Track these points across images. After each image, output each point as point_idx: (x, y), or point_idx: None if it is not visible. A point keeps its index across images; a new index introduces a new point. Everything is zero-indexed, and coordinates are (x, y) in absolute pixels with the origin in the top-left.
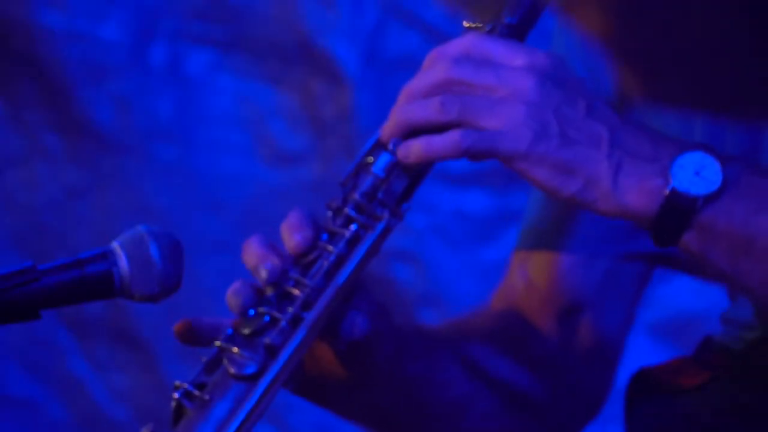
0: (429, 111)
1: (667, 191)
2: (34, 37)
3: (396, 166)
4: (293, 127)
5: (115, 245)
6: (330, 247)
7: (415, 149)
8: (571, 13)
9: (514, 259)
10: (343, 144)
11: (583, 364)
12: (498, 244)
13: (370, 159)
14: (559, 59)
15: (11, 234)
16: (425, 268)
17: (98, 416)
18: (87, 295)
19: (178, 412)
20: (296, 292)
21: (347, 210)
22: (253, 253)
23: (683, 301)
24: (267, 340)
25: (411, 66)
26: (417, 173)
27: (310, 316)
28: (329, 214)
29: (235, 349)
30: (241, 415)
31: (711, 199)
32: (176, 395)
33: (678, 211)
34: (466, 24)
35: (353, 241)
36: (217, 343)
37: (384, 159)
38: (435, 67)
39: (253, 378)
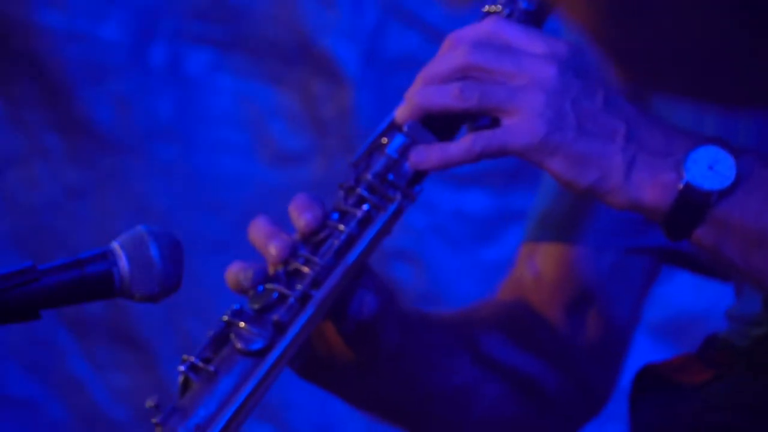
0: (448, 98)
1: (680, 186)
2: (34, 37)
3: (410, 148)
4: (293, 127)
5: (115, 245)
6: (341, 226)
7: (430, 158)
8: (570, 14)
9: (522, 251)
10: (343, 144)
11: (590, 356)
12: (498, 244)
13: (384, 140)
14: (579, 48)
15: (11, 234)
16: (425, 267)
17: (98, 416)
18: (87, 295)
19: (185, 385)
20: (306, 269)
21: (359, 190)
22: (262, 231)
23: (685, 300)
24: (275, 316)
25: (411, 66)
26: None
27: (319, 294)
28: (341, 193)
29: (243, 324)
30: (246, 390)
31: (725, 193)
32: (182, 368)
33: (691, 206)
34: (485, 8)
35: (364, 221)
36: (225, 317)
37: (398, 140)
38: (454, 52)
39: (260, 354)
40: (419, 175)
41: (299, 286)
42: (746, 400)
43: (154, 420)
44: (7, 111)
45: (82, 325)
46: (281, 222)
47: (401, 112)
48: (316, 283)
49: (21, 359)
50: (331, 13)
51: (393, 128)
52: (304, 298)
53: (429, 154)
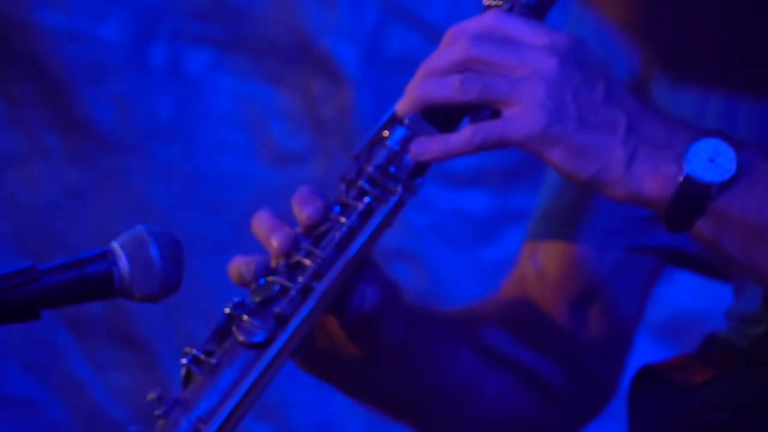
0: (449, 90)
1: (681, 178)
2: (34, 37)
3: (411, 141)
4: (293, 127)
5: (115, 245)
6: (342, 219)
7: (431, 149)
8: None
9: (525, 249)
10: (343, 144)
11: (593, 352)
12: (497, 243)
13: (386, 133)
14: (580, 40)
15: (11, 234)
16: (424, 267)
17: (98, 416)
18: (87, 295)
19: (187, 378)
20: (307, 262)
21: (361, 182)
22: (264, 224)
23: (684, 300)
24: (277, 309)
25: (411, 66)
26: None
27: (321, 287)
28: (342, 186)
29: (245, 317)
30: (248, 383)
31: (725, 186)
32: (185, 361)
33: (692, 198)
34: (485, 1)
35: (366, 214)
36: (227, 310)
37: (399, 133)
38: (454, 45)
39: (262, 346)
40: (421, 168)
41: (301, 279)
42: (746, 400)
43: (156, 412)
44: (7, 111)
45: (82, 325)
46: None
47: (402, 105)
48: (317, 275)
49: (21, 359)
50: (331, 13)
51: (394, 121)
52: (305, 291)
53: (430, 145)
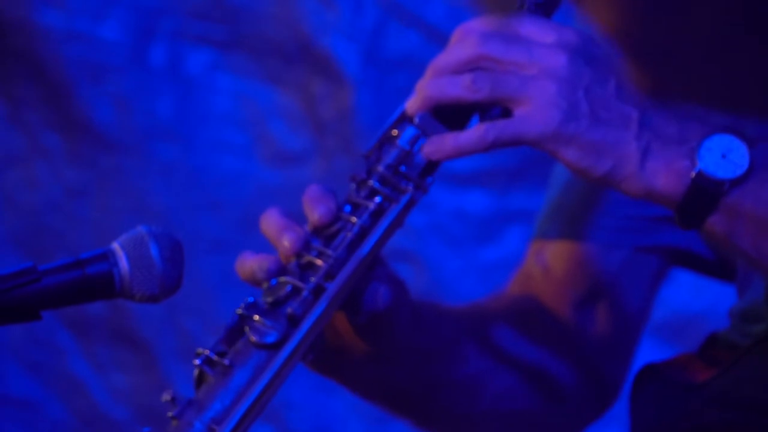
0: (460, 89)
1: (693, 173)
2: (34, 37)
3: (421, 140)
4: (293, 126)
5: (115, 245)
6: (353, 219)
7: (443, 148)
8: (583, 8)
9: (531, 247)
10: (343, 144)
11: (600, 350)
12: (498, 244)
13: (395, 132)
14: (589, 36)
15: (11, 234)
16: (425, 267)
17: (98, 416)
18: (87, 295)
19: (200, 379)
20: (319, 262)
21: (371, 182)
22: (274, 224)
23: (684, 301)
24: (289, 309)
25: (411, 66)
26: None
27: (333, 287)
28: (352, 186)
29: (257, 318)
30: (261, 384)
31: (737, 182)
32: (197, 362)
33: (704, 194)
34: None
35: (377, 213)
36: (239, 311)
37: (409, 132)
38: (464, 43)
39: (275, 347)
40: (431, 167)
41: (313, 279)
42: (747, 398)
43: (170, 413)
44: (7, 111)
45: (82, 325)
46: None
47: (412, 104)
48: (329, 275)
49: (21, 359)
50: (331, 12)
51: (404, 120)
52: (317, 291)
53: (442, 144)
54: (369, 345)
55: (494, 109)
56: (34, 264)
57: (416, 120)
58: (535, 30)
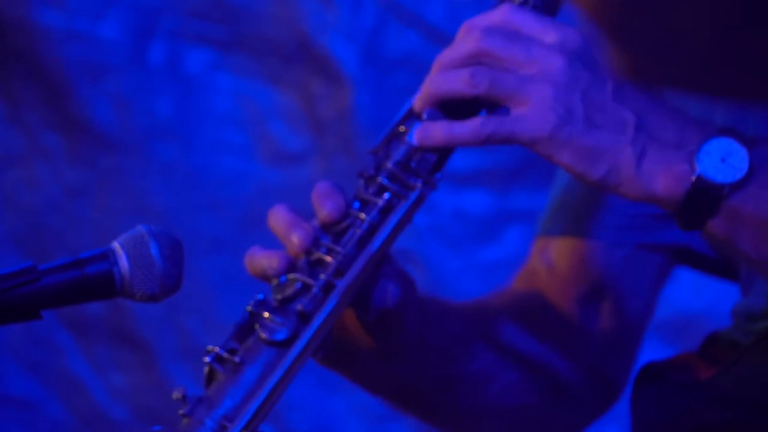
0: (458, 83)
1: (693, 178)
2: (34, 37)
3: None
4: (292, 126)
5: (115, 245)
6: (362, 215)
7: (435, 134)
8: (577, 3)
9: (535, 245)
10: (343, 143)
11: (604, 347)
12: (498, 244)
13: (403, 128)
14: (591, 38)
15: (11, 234)
16: (425, 267)
17: (98, 416)
18: (87, 295)
19: (210, 377)
20: (328, 259)
21: (380, 179)
22: (283, 220)
23: (685, 299)
24: (299, 306)
25: (410, 66)
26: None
27: (343, 284)
28: (361, 182)
29: (267, 315)
30: (272, 381)
31: (737, 186)
32: (207, 359)
33: (704, 198)
34: None
35: (386, 210)
36: (249, 308)
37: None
38: (467, 39)
39: (285, 344)
40: (439, 162)
41: (322, 276)
42: (749, 397)
43: (180, 411)
44: (7, 111)
45: (81, 324)
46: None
47: (418, 100)
48: (339, 272)
49: (21, 359)
50: (330, 12)
51: (411, 116)
52: (327, 288)
53: (434, 131)
54: (377, 341)
55: (503, 108)
56: (34, 264)
57: (424, 116)
58: (538, 28)
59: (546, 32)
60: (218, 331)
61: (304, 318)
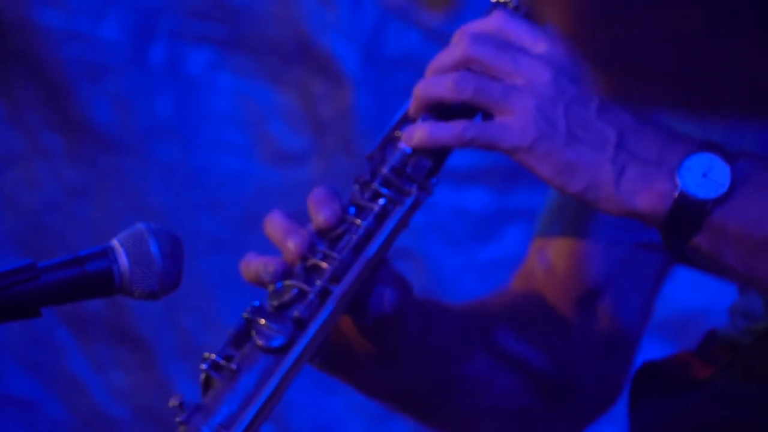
0: (444, 88)
1: (675, 194)
2: (34, 37)
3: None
4: (293, 126)
5: (114, 242)
6: (358, 221)
7: (418, 135)
8: (542, 12)
9: (533, 245)
10: (343, 143)
11: (601, 350)
12: (497, 242)
13: (398, 133)
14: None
15: (11, 234)
16: (425, 265)
17: (98, 415)
18: (87, 292)
19: (207, 384)
20: (324, 265)
21: (375, 184)
22: (278, 226)
23: (685, 297)
24: (295, 312)
25: (410, 66)
26: (445, 148)
27: (339, 290)
28: (356, 187)
29: (263, 322)
30: (269, 388)
31: (720, 201)
32: (204, 366)
33: (687, 215)
34: None
35: (382, 216)
36: (245, 315)
37: None
38: (458, 45)
39: (281, 350)
40: (435, 167)
41: (318, 282)
42: (747, 396)
43: (177, 419)
44: (7, 111)
45: (81, 323)
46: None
47: (412, 105)
48: (335, 278)
49: (20, 358)
50: (330, 12)
51: (406, 121)
52: (323, 294)
53: (418, 131)
54: (375, 346)
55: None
56: (33, 262)
57: (418, 121)
58: (529, 38)
59: (536, 43)
60: (218, 330)
61: (301, 324)
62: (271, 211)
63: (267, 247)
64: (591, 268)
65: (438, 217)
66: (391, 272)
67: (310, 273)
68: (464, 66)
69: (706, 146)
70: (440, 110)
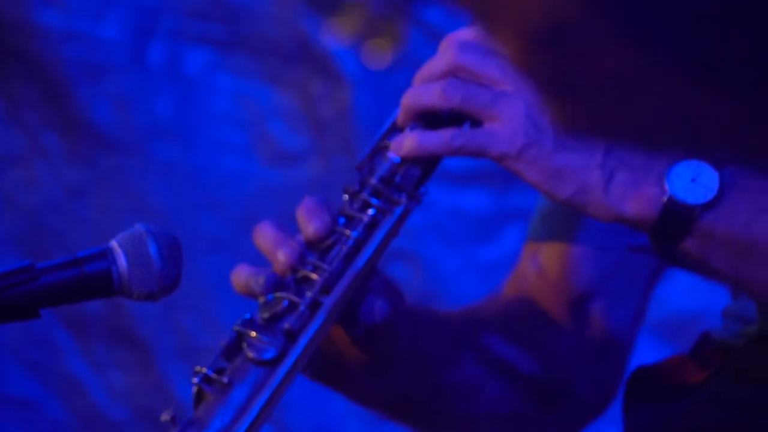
0: (432, 96)
1: (664, 199)
2: (33, 36)
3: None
4: (292, 126)
5: (113, 244)
6: (348, 232)
7: (406, 144)
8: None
9: (525, 250)
10: (342, 143)
11: (594, 353)
12: (496, 243)
13: (387, 143)
14: None
15: (11, 234)
16: (423, 266)
17: (97, 415)
18: (86, 293)
19: (199, 397)
20: (314, 276)
21: (364, 194)
22: (268, 237)
23: (682, 299)
24: (286, 324)
25: (410, 66)
26: (434, 157)
27: (329, 301)
28: (345, 197)
29: (254, 334)
30: (261, 400)
31: (709, 206)
32: (195, 380)
33: (676, 219)
34: None
35: (371, 226)
36: (236, 327)
37: None
38: (445, 53)
39: (273, 363)
40: (424, 177)
41: (309, 294)
42: (741, 399)
43: None
44: (6, 111)
45: (80, 324)
46: (281, 221)
47: (400, 115)
48: (325, 289)
49: (20, 358)
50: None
51: (395, 130)
52: (314, 306)
53: (407, 140)
54: (367, 355)
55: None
56: (32, 262)
57: (407, 130)
58: None
59: None
60: (217, 330)
61: (292, 336)
62: (260, 222)
63: (255, 263)
64: (582, 272)
65: (436, 218)
66: (383, 281)
67: (301, 284)
68: (452, 74)
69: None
70: (429, 119)
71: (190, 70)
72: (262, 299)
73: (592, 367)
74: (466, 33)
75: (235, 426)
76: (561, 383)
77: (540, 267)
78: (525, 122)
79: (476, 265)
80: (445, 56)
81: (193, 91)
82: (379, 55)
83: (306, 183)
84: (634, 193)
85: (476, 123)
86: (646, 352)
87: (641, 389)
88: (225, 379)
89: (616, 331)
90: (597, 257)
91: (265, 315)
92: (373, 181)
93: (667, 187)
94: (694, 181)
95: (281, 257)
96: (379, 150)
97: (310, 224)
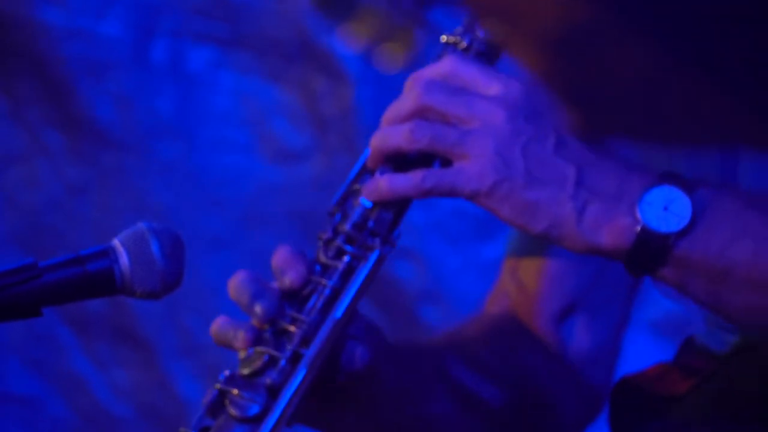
0: (399, 138)
1: (637, 229)
2: (35, 34)
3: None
4: (294, 124)
5: (115, 242)
6: (324, 281)
7: (377, 188)
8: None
9: (504, 266)
10: (344, 141)
11: (581, 363)
12: (498, 241)
13: (357, 186)
14: (534, 89)
15: (12, 232)
16: (425, 265)
17: (99, 413)
18: (88, 291)
19: None
20: (293, 329)
21: (339, 242)
22: (245, 291)
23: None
24: (268, 380)
25: (413, 64)
26: (405, 199)
27: (310, 353)
28: (320, 244)
29: (235, 391)
30: None
31: (682, 234)
32: None
33: (651, 249)
34: (443, 38)
35: (347, 273)
36: (217, 385)
37: None
38: (410, 93)
39: (256, 420)
40: (396, 220)
41: (289, 347)
42: (727, 409)
43: None
44: (8, 108)
45: (82, 321)
46: (278, 221)
47: (370, 158)
48: (305, 341)
49: (22, 356)
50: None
51: (365, 173)
52: (294, 359)
53: (377, 185)
54: (349, 399)
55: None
56: (34, 260)
57: (377, 174)
58: (481, 81)
59: (489, 85)
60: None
61: (274, 392)
62: (236, 273)
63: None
64: (564, 285)
65: (438, 217)
66: (363, 325)
67: (280, 337)
68: (418, 114)
69: (666, 178)
70: (398, 161)
71: (192, 68)
72: (242, 354)
73: (580, 376)
74: (431, 71)
75: None
76: (551, 395)
77: (519, 282)
78: (494, 159)
79: (478, 264)
80: (410, 97)
81: (195, 89)
82: (392, 59)
83: (308, 181)
84: (606, 223)
85: (446, 162)
86: (648, 352)
87: (626, 400)
88: None
89: (601, 338)
90: (576, 269)
91: (246, 371)
92: (347, 227)
93: (639, 216)
94: (666, 209)
95: (259, 311)
96: (351, 194)
97: (285, 276)
